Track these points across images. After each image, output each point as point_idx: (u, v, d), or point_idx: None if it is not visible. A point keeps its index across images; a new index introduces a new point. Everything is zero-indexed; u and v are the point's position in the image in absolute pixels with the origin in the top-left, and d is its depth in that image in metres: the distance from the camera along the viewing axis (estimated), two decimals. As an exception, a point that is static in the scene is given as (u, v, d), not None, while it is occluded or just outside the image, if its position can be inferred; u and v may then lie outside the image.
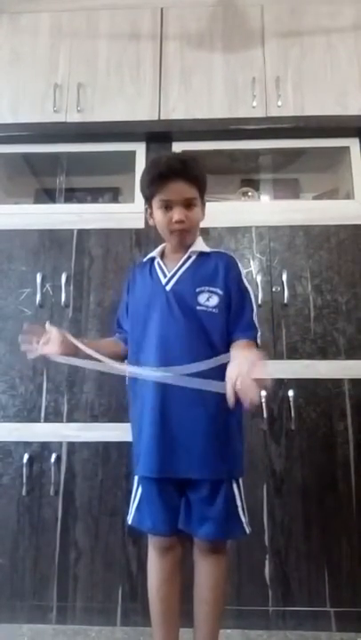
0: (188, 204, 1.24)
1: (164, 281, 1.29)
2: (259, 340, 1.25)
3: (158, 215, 1.27)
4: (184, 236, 1.28)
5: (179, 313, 1.23)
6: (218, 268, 1.28)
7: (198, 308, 1.23)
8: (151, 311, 1.26)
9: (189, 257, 1.31)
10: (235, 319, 1.25)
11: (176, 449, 1.18)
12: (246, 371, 0.96)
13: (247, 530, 1.21)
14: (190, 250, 1.31)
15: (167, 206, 1.24)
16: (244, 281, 1.31)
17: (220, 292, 1.25)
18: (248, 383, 0.93)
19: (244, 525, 1.21)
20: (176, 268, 1.30)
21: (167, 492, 1.20)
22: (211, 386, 1.05)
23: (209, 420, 1.19)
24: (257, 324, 1.26)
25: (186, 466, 1.17)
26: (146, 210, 1.33)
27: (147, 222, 1.84)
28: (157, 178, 1.23)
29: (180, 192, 1.22)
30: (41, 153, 2.04)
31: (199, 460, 1.18)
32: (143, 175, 1.30)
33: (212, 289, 1.25)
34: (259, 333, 1.26)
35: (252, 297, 1.30)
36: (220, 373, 1.07)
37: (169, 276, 1.29)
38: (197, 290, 1.25)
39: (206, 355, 1.18)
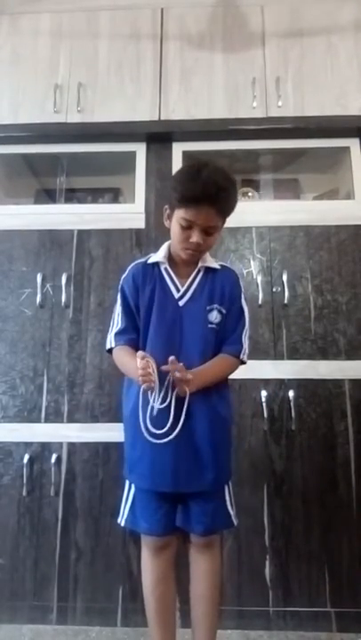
0: (209, 231, 1.22)
1: (176, 295, 1.29)
2: (244, 357, 1.29)
3: (176, 228, 1.24)
4: (195, 256, 1.27)
5: (191, 330, 1.25)
6: (224, 285, 1.30)
7: (209, 326, 1.26)
8: (163, 323, 1.26)
9: (199, 271, 1.31)
10: (226, 334, 1.29)
11: (185, 466, 1.20)
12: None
13: (235, 522, 1.28)
14: (200, 264, 1.31)
15: (189, 226, 1.21)
16: (243, 299, 1.33)
17: (223, 310, 1.28)
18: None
19: (232, 518, 1.28)
20: (188, 283, 1.30)
21: (163, 495, 1.22)
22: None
23: (212, 436, 1.22)
24: (244, 342, 1.30)
25: (191, 481, 1.20)
26: (165, 209, 1.29)
27: (148, 223, 1.88)
28: (190, 198, 1.18)
29: (205, 219, 1.19)
30: (41, 153, 2.04)
31: (203, 475, 1.21)
32: (178, 178, 1.24)
33: (219, 307, 1.28)
34: (244, 350, 1.29)
35: (247, 315, 1.32)
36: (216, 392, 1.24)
37: (182, 290, 1.29)
38: (208, 308, 1.27)
39: None
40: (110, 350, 1.33)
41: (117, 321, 1.32)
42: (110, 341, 1.32)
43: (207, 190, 1.16)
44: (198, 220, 1.19)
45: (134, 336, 1.29)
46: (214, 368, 1.24)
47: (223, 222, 1.26)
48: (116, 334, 1.31)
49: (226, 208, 1.22)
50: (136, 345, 1.27)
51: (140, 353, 1.13)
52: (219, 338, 1.28)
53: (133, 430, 1.24)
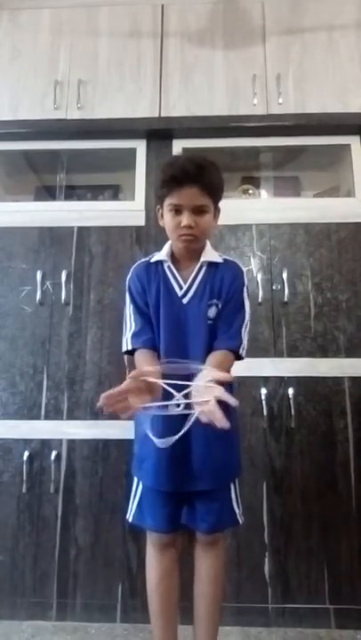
0: (198, 211, 1.21)
1: (179, 293, 1.27)
2: (243, 352, 1.25)
3: (167, 218, 1.24)
4: (191, 241, 1.24)
5: (194, 328, 1.24)
6: (223, 279, 1.28)
7: (208, 322, 1.25)
8: (170, 322, 1.25)
9: (201, 266, 1.29)
10: (223, 326, 1.25)
11: (188, 466, 1.20)
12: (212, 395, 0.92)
13: (240, 520, 1.27)
14: (202, 259, 1.29)
15: (177, 210, 1.21)
16: (245, 293, 1.30)
17: (220, 304, 1.26)
18: (212, 409, 0.89)
19: (238, 516, 1.27)
20: (191, 280, 1.28)
21: (169, 494, 1.22)
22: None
23: (213, 438, 1.20)
24: (243, 337, 1.25)
25: (196, 480, 1.20)
26: (158, 210, 1.30)
27: (148, 220, 1.87)
28: (171, 180, 1.20)
29: (191, 198, 1.19)
30: (41, 150, 2.03)
31: (209, 475, 1.21)
32: (161, 170, 1.26)
33: (216, 301, 1.26)
34: (243, 346, 1.25)
35: (248, 311, 1.29)
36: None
37: (185, 288, 1.28)
38: (208, 303, 1.26)
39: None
40: (128, 352, 1.29)
41: (131, 322, 1.30)
42: (127, 343, 1.28)
43: (186, 168, 1.18)
44: (184, 201, 1.19)
45: (151, 335, 1.27)
46: (223, 369, 1.17)
47: (214, 204, 1.24)
48: (133, 336, 1.28)
49: (209, 185, 1.20)
50: (154, 344, 1.26)
51: (133, 373, 1.02)
52: (215, 332, 1.25)
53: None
